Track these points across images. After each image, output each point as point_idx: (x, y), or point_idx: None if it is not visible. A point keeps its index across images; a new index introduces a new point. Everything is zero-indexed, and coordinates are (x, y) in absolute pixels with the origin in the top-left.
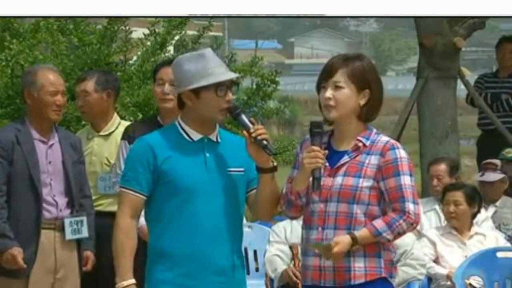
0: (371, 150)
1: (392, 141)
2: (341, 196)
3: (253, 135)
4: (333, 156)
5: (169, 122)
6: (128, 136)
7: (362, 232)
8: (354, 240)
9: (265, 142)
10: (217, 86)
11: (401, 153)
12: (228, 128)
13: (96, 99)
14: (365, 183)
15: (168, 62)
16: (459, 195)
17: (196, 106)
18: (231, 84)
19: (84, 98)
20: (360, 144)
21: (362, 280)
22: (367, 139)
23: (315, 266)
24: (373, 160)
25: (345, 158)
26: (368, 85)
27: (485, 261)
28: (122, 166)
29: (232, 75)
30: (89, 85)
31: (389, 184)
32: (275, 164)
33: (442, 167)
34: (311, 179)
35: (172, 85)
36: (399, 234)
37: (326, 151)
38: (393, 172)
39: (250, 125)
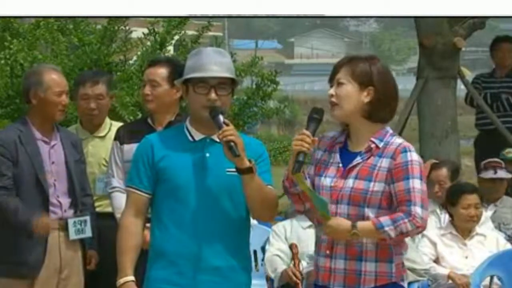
0: (383, 153)
1: (405, 143)
2: (351, 199)
3: (220, 136)
4: (347, 157)
5: (159, 123)
6: (119, 136)
7: (364, 223)
8: (354, 226)
9: (231, 143)
10: (200, 82)
11: (413, 156)
12: None
13: (107, 101)
14: (376, 187)
15: (151, 62)
16: (477, 198)
17: (188, 101)
18: (222, 84)
19: (99, 101)
20: (373, 145)
21: (372, 285)
22: (381, 140)
23: (325, 267)
24: (385, 163)
25: (358, 160)
26: (372, 83)
27: (505, 260)
28: (113, 166)
29: (216, 74)
30: (103, 88)
31: (398, 187)
32: (251, 165)
33: (444, 172)
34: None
35: (153, 86)
36: (402, 234)
37: (316, 139)
38: (403, 175)
39: (224, 126)
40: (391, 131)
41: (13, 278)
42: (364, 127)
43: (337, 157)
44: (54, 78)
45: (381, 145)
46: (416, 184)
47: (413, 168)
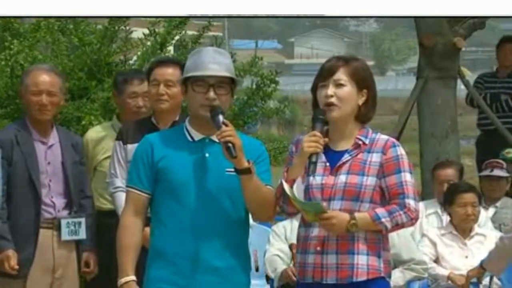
0: (372, 148)
1: (392, 138)
2: (345, 194)
3: (218, 136)
4: (331, 156)
5: (163, 123)
6: (122, 136)
7: (361, 214)
8: (352, 217)
9: (229, 144)
10: (199, 81)
11: (401, 150)
12: None
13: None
14: (369, 181)
15: (162, 61)
16: (473, 197)
17: (187, 100)
18: (221, 83)
19: (146, 99)
20: (360, 142)
21: (364, 278)
22: (366, 137)
23: (316, 264)
24: (375, 158)
25: (346, 157)
26: (366, 85)
27: None
28: (116, 166)
29: (215, 73)
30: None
31: (390, 181)
32: (249, 166)
33: (452, 171)
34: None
35: (167, 86)
36: (398, 226)
37: (327, 139)
38: (394, 169)
39: (222, 126)
40: (371, 129)
41: (4, 276)
42: (350, 127)
43: (322, 156)
44: (33, 78)
45: (367, 141)
46: (408, 177)
47: (404, 162)
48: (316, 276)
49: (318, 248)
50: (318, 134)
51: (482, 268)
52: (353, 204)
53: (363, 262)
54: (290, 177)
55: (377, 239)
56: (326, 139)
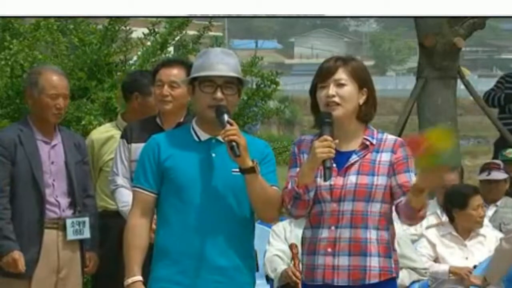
0: (381, 148)
1: (400, 139)
2: (356, 195)
3: (222, 135)
4: (338, 156)
5: (168, 124)
6: (126, 135)
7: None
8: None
9: (233, 143)
10: (206, 81)
11: (408, 151)
12: None
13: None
14: (380, 181)
15: (167, 62)
16: (481, 198)
17: (194, 100)
18: (229, 84)
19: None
20: (368, 142)
21: (376, 280)
22: (373, 137)
23: (327, 265)
24: (385, 157)
25: (354, 157)
26: (366, 84)
27: None
28: (119, 164)
29: (223, 73)
30: None
31: (402, 179)
32: (254, 165)
33: (455, 176)
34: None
35: (172, 87)
36: (421, 219)
37: (337, 141)
38: (404, 168)
39: (227, 125)
40: (375, 129)
41: (9, 277)
42: (353, 127)
43: None
44: (50, 80)
45: (374, 141)
46: (413, 178)
47: (411, 162)
48: (327, 277)
49: (329, 250)
50: (329, 138)
51: (485, 280)
52: (364, 205)
53: (375, 264)
54: (301, 183)
55: (388, 240)
56: (337, 141)
